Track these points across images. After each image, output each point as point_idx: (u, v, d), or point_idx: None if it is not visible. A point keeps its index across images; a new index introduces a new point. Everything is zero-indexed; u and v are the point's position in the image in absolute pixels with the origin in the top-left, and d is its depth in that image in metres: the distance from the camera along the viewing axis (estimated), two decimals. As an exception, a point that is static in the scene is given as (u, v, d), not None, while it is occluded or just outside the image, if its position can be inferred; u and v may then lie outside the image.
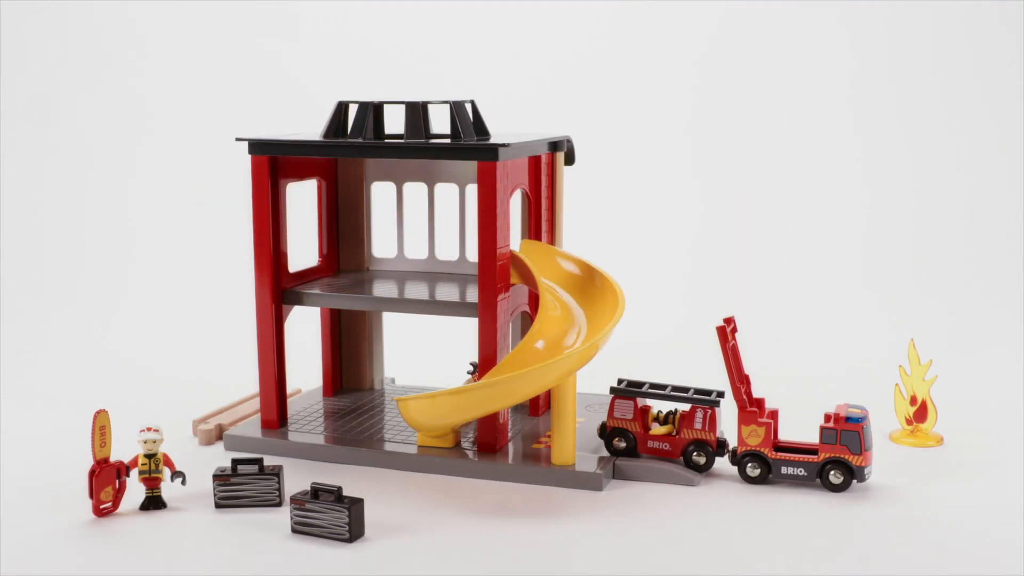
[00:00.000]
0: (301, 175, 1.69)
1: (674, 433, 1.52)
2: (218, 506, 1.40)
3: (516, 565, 1.24)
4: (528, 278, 1.60)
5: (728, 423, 1.59)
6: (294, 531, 1.32)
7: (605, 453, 1.55)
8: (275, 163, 1.61)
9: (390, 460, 1.55)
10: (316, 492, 1.31)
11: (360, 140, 1.56)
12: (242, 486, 1.40)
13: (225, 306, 2.37)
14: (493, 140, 1.55)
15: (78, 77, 2.75)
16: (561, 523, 1.35)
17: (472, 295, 1.60)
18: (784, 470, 1.46)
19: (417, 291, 1.65)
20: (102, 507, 1.37)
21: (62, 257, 2.61)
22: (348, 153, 1.57)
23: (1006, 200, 2.46)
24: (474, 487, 1.48)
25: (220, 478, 1.39)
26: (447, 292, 1.64)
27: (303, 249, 1.79)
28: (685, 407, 1.53)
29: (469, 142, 1.53)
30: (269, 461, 1.52)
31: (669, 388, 1.53)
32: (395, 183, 1.79)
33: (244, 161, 1.61)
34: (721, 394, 1.52)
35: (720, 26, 2.62)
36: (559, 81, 2.62)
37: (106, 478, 1.36)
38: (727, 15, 2.61)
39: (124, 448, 1.44)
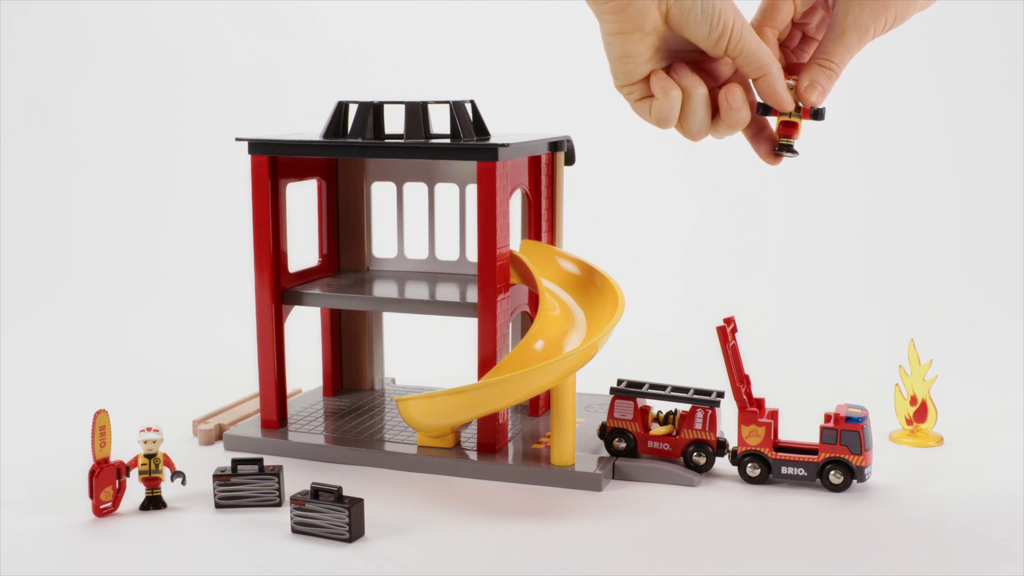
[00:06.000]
0: (301, 175, 1.69)
1: (674, 433, 1.52)
2: (218, 506, 1.40)
3: (516, 565, 1.24)
4: (528, 278, 1.60)
5: (728, 423, 1.59)
6: (294, 531, 1.32)
7: (605, 453, 1.55)
8: (275, 163, 1.61)
9: (390, 460, 1.55)
10: (316, 492, 1.31)
11: (360, 140, 1.56)
12: (242, 486, 1.40)
13: (225, 306, 2.37)
14: (493, 140, 1.55)
15: (78, 78, 2.74)
16: (561, 523, 1.35)
17: (472, 295, 1.60)
18: (784, 470, 1.46)
19: (417, 291, 1.65)
20: (102, 507, 1.37)
21: (61, 258, 2.60)
22: (348, 153, 1.57)
23: (1006, 201, 2.46)
24: (474, 487, 1.48)
25: (220, 478, 1.39)
26: (447, 292, 1.64)
27: (303, 249, 1.79)
28: (685, 407, 1.53)
29: (469, 142, 1.53)
30: (269, 461, 1.52)
31: (669, 388, 1.53)
32: (395, 183, 1.79)
33: (244, 161, 1.61)
34: (721, 394, 1.52)
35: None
36: (559, 81, 2.62)
37: (106, 478, 1.36)
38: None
39: (124, 448, 1.44)
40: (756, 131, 1.06)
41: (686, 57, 1.02)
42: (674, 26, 0.98)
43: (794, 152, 1.06)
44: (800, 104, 1.04)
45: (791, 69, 1.07)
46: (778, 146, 1.06)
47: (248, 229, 1.63)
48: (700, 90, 1.00)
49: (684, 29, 0.98)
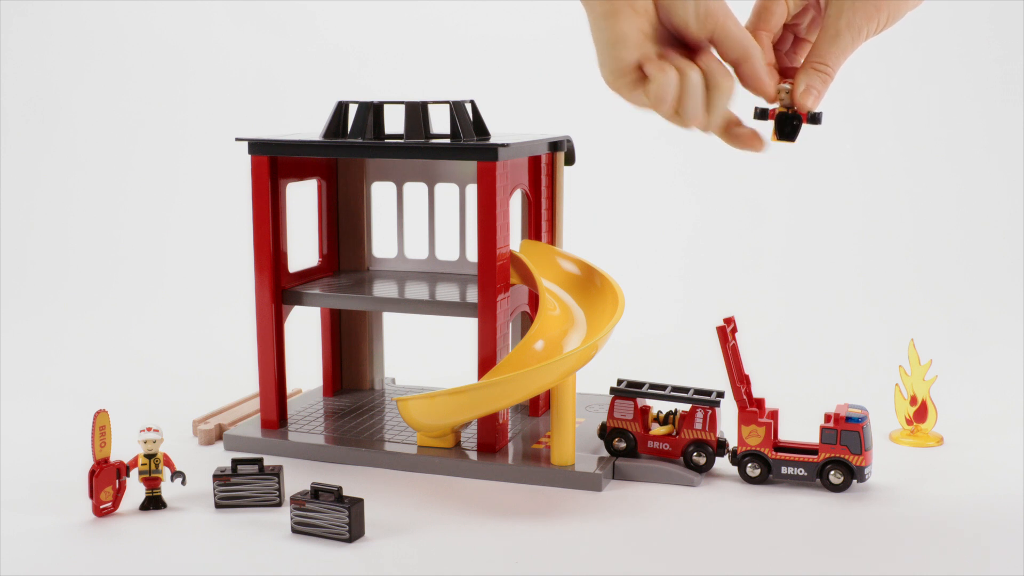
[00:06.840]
0: (301, 175, 1.69)
1: (674, 433, 1.52)
2: (218, 506, 1.40)
3: (516, 565, 1.24)
4: (528, 278, 1.59)
5: (728, 423, 1.59)
6: (294, 531, 1.32)
7: (605, 453, 1.55)
8: (275, 163, 1.61)
9: (390, 460, 1.55)
10: (316, 492, 1.31)
11: (360, 140, 1.56)
12: (242, 486, 1.40)
13: (225, 306, 2.37)
14: (493, 140, 1.55)
15: (78, 78, 2.74)
16: (561, 523, 1.35)
17: (472, 295, 1.60)
18: (784, 470, 1.46)
19: (417, 291, 1.65)
20: (102, 507, 1.37)
21: (61, 258, 2.60)
22: (348, 153, 1.57)
23: (1006, 201, 2.46)
24: (474, 487, 1.48)
25: (220, 478, 1.39)
26: (447, 292, 1.63)
27: (303, 249, 1.79)
28: (685, 407, 1.53)
29: (469, 142, 1.53)
30: (269, 461, 1.52)
31: (669, 388, 1.53)
32: (395, 183, 1.79)
33: (244, 161, 1.61)
34: (721, 394, 1.52)
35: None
36: (559, 81, 2.62)
37: (106, 478, 1.36)
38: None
39: (124, 448, 1.44)
40: (730, 131, 1.05)
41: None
42: (662, 5, 0.99)
43: (806, 119, 1.03)
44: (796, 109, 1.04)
45: (785, 73, 1.07)
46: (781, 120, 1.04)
47: (248, 229, 1.63)
48: (694, 70, 1.00)
49: (672, 7, 0.98)
